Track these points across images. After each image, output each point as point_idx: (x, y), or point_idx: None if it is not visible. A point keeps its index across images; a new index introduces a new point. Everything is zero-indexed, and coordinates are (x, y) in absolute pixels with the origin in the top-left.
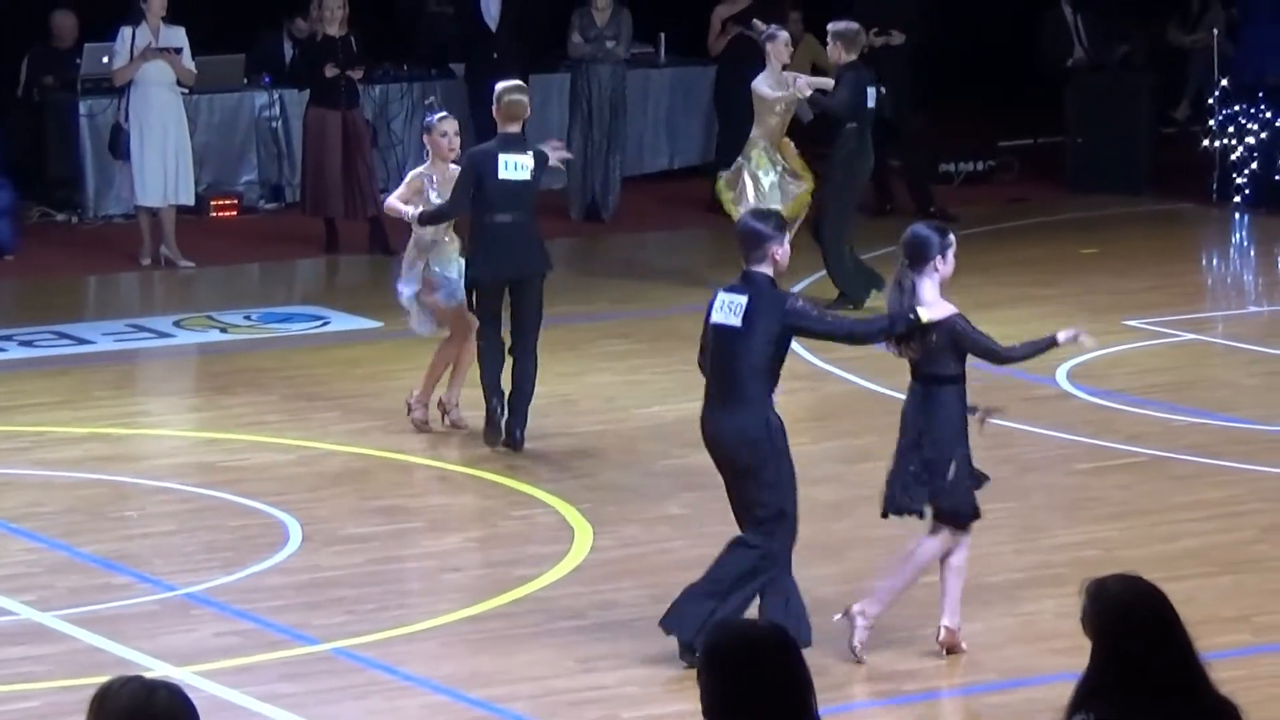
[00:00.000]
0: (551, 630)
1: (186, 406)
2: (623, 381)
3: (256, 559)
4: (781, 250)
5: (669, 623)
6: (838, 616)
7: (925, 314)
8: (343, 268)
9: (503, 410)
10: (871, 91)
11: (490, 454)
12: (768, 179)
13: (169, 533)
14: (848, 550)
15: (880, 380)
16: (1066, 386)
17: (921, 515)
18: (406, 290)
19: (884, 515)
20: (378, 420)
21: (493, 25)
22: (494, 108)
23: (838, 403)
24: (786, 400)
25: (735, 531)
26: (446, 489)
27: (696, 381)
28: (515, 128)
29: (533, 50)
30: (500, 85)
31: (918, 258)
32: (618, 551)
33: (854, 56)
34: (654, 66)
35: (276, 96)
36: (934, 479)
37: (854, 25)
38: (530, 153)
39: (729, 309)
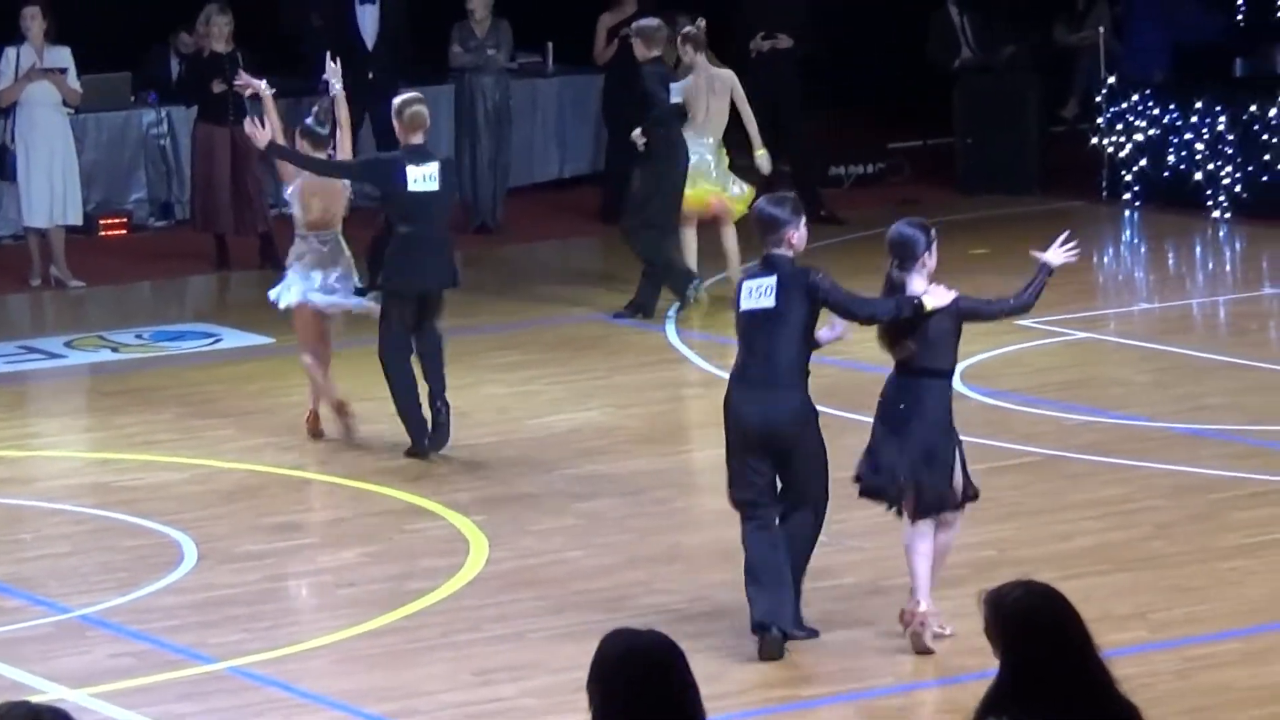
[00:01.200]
0: (448, 644)
1: (79, 427)
2: (515, 393)
3: (151, 579)
4: (798, 234)
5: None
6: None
7: (930, 301)
8: (233, 284)
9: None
10: (675, 88)
11: (384, 468)
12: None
13: (63, 554)
14: (742, 556)
15: None
16: (960, 387)
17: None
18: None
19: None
20: (271, 436)
21: (369, 42)
22: (395, 121)
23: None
24: (679, 407)
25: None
26: (341, 504)
27: (589, 391)
28: (419, 139)
29: (408, 66)
30: (400, 98)
31: (907, 256)
32: (513, 563)
33: (657, 53)
34: (541, 75)
35: (164, 114)
36: (933, 469)
37: (654, 21)
38: (437, 162)
39: (759, 293)
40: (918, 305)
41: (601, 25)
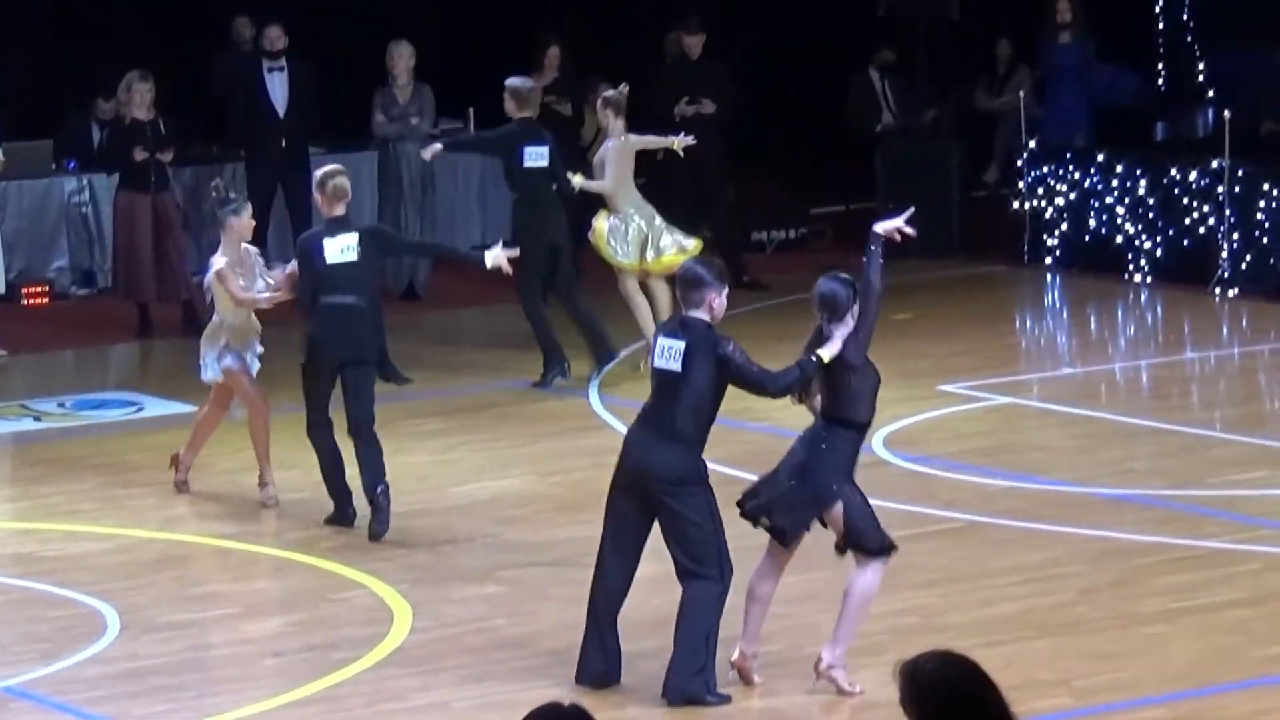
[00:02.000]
0: (373, 713)
1: (1, 496)
2: (436, 460)
3: (74, 649)
4: (719, 300)
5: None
6: (816, 681)
7: (826, 353)
8: (156, 352)
9: (354, 511)
10: (539, 150)
11: (307, 537)
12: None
13: None
14: (668, 625)
15: None
16: (882, 453)
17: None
18: (208, 373)
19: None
20: (194, 505)
21: (280, 109)
22: (317, 193)
23: None
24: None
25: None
26: (264, 573)
27: (511, 458)
28: (341, 210)
29: (319, 133)
30: (322, 170)
31: (835, 310)
32: (437, 632)
33: (527, 113)
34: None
35: (85, 181)
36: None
37: (528, 82)
38: (356, 233)
39: (669, 354)
40: (817, 360)
41: None
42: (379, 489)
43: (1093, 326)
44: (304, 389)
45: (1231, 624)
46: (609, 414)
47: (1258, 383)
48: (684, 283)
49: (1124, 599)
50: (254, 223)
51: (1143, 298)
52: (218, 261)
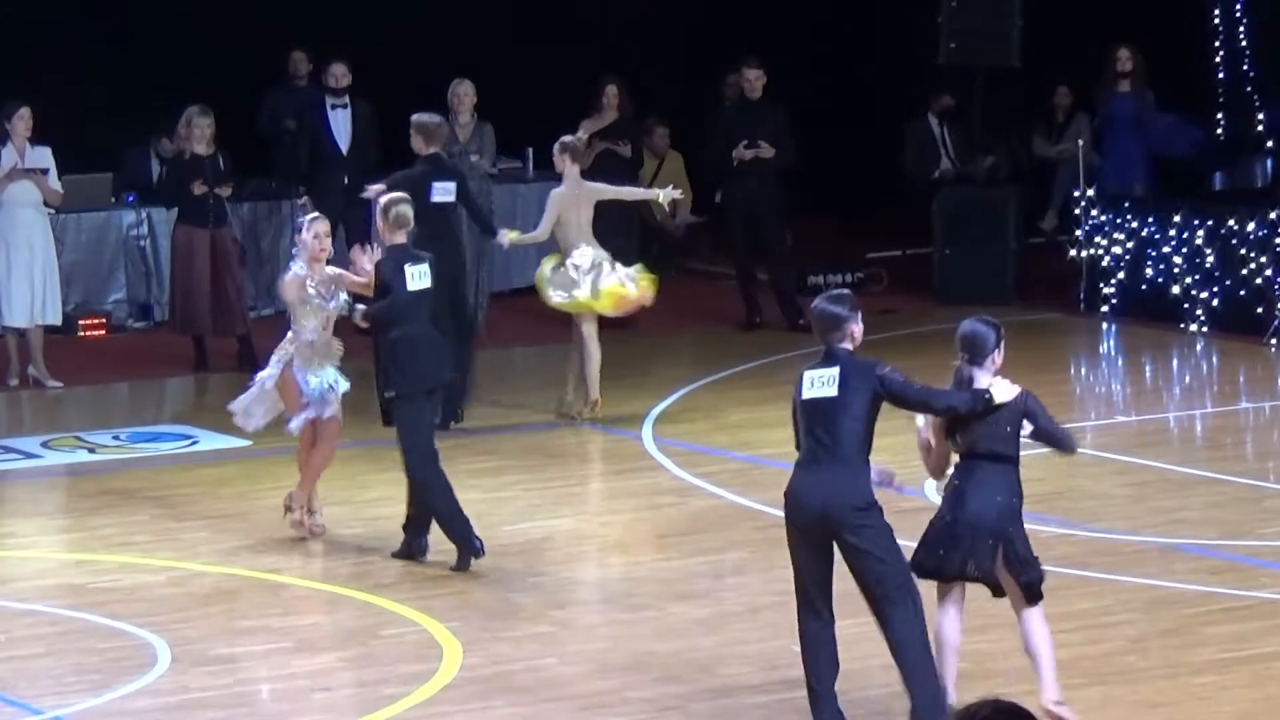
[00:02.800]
0: None
1: (55, 528)
2: (490, 499)
3: (124, 681)
4: (858, 327)
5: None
6: None
7: (999, 394)
8: (211, 386)
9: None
10: (446, 186)
11: (359, 572)
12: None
13: (36, 655)
14: (719, 666)
15: (750, 494)
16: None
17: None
18: (266, 375)
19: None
20: (246, 539)
21: (343, 146)
22: (380, 220)
23: (705, 518)
24: (654, 515)
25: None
26: (316, 608)
27: (564, 497)
28: (403, 238)
29: (380, 169)
30: (386, 197)
31: (978, 352)
32: (487, 670)
33: (434, 149)
34: (522, 181)
35: (144, 215)
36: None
37: (435, 117)
38: (426, 262)
39: (822, 383)
40: (988, 400)
41: (582, 131)
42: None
43: (1148, 375)
44: (389, 423)
45: None
46: (661, 455)
47: None
48: (822, 320)
49: (1174, 648)
50: (327, 238)
51: (1198, 347)
52: (290, 272)
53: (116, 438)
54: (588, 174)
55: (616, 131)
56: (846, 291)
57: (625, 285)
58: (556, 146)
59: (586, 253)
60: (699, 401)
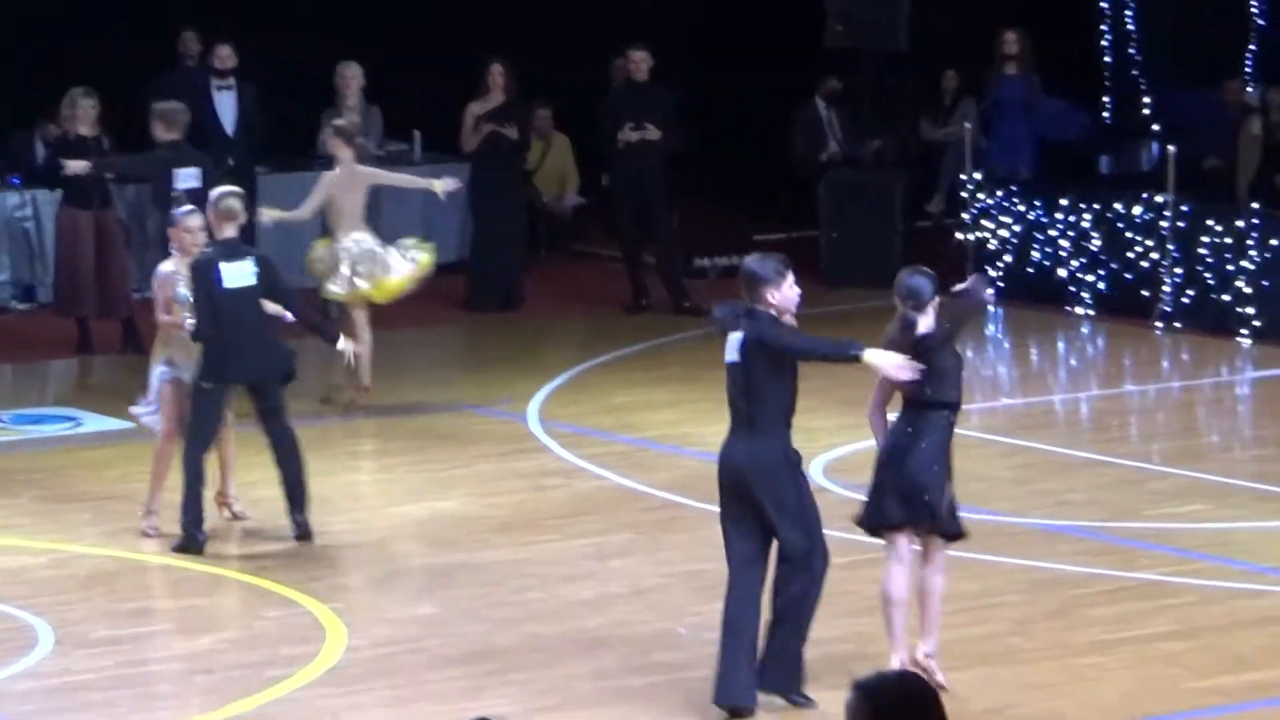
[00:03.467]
0: None
1: None
2: (374, 480)
3: (6, 663)
4: (779, 293)
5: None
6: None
7: (873, 358)
8: (95, 368)
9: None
10: (191, 173)
11: (243, 554)
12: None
13: None
14: (603, 648)
15: (634, 477)
16: (822, 481)
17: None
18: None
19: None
20: (130, 522)
21: (229, 129)
22: (210, 212)
23: (590, 500)
24: (539, 497)
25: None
26: (199, 590)
27: (449, 480)
28: (232, 231)
29: (266, 152)
30: (216, 190)
31: (920, 300)
32: (371, 651)
33: (174, 135)
34: (409, 164)
35: (28, 197)
36: (926, 500)
37: (176, 104)
38: (251, 257)
39: (734, 347)
40: (854, 357)
41: (469, 114)
42: (300, 518)
43: (1034, 358)
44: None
45: (1165, 656)
46: (547, 437)
47: (1196, 416)
48: (744, 283)
49: (1058, 630)
50: (201, 233)
51: (1084, 330)
52: (162, 267)
53: (0, 420)
54: (475, 156)
55: (503, 113)
56: (777, 254)
57: (406, 273)
58: (328, 129)
59: (358, 239)
60: (585, 384)
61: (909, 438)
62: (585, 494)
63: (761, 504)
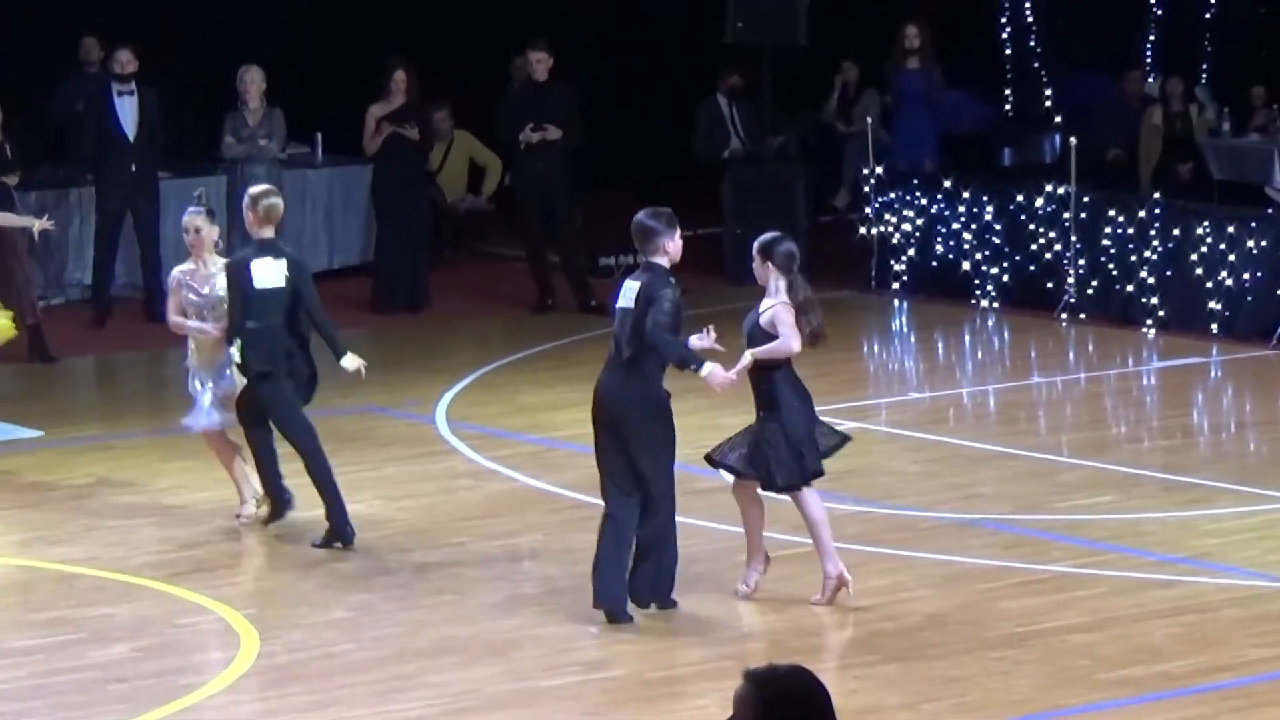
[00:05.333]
0: None
1: None
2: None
3: None
4: (673, 244)
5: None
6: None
7: (706, 372)
8: (1, 376)
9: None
10: None
11: (153, 562)
12: None
13: None
14: (515, 650)
15: (544, 477)
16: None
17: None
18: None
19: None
20: (38, 531)
21: (130, 133)
22: (249, 213)
23: (500, 501)
24: (449, 499)
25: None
26: (110, 598)
27: (359, 483)
28: (269, 232)
29: (168, 156)
30: (257, 189)
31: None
32: (285, 657)
33: None
34: (311, 166)
35: None
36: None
37: None
38: (285, 259)
39: (628, 294)
40: (695, 370)
41: (370, 116)
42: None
43: (940, 352)
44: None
45: (1076, 648)
46: (455, 439)
47: (1104, 407)
48: (637, 235)
49: (970, 624)
50: (197, 234)
51: (989, 323)
52: (175, 270)
53: None
54: (377, 157)
55: (404, 114)
56: (666, 208)
57: None
58: None
59: None
60: (493, 384)
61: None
62: (495, 495)
63: (627, 436)
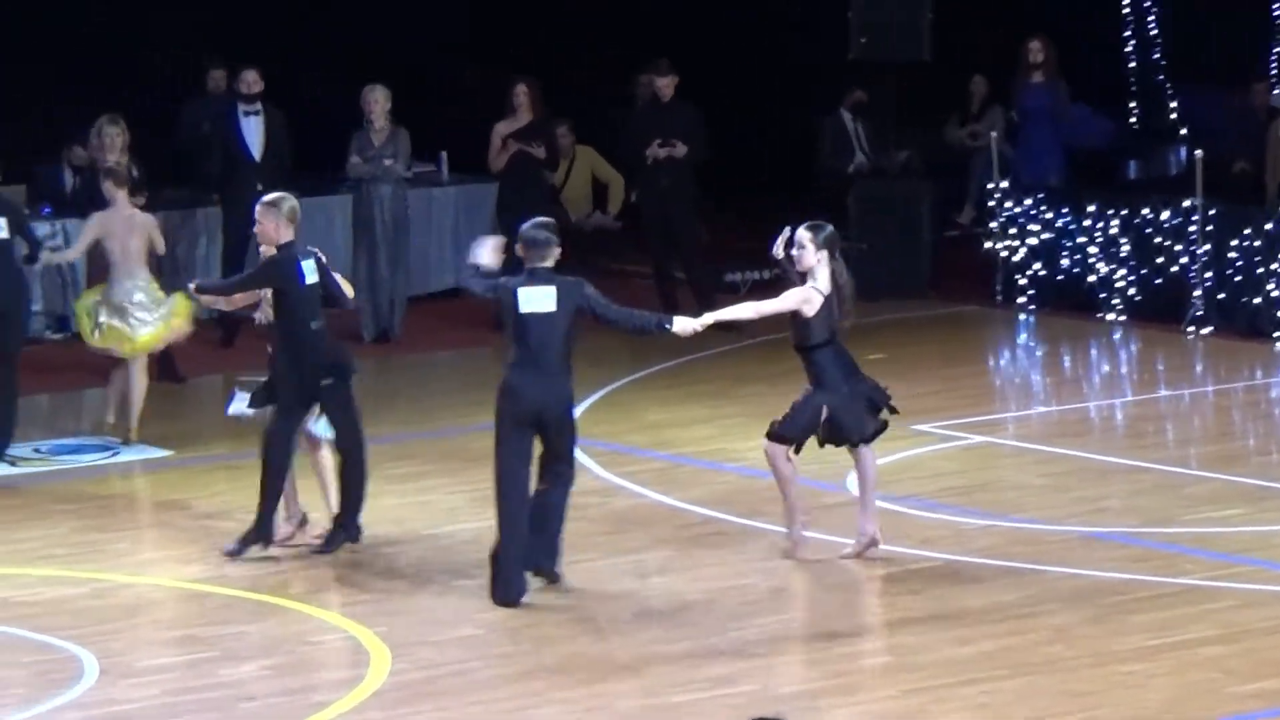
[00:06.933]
0: None
1: None
2: (411, 503)
3: (51, 694)
4: (557, 250)
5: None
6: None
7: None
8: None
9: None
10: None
11: (285, 580)
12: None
13: None
14: (642, 666)
15: (671, 493)
16: (857, 493)
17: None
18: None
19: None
20: (170, 550)
21: (255, 153)
22: (272, 216)
23: (627, 517)
24: (576, 516)
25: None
26: (240, 617)
27: (486, 499)
28: (291, 234)
29: (293, 176)
30: (275, 195)
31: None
32: (415, 675)
33: None
34: (437, 185)
35: (59, 226)
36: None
37: None
38: (313, 258)
39: (539, 299)
40: (666, 328)
41: (496, 134)
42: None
43: (1066, 366)
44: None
45: (1206, 661)
46: (583, 455)
47: (1231, 420)
48: (526, 245)
49: (1098, 637)
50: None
51: (1116, 337)
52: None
53: (37, 450)
54: (502, 175)
55: (530, 132)
56: (550, 220)
57: (155, 330)
58: (101, 173)
59: (122, 289)
60: (619, 401)
61: None
62: (623, 511)
63: (552, 432)
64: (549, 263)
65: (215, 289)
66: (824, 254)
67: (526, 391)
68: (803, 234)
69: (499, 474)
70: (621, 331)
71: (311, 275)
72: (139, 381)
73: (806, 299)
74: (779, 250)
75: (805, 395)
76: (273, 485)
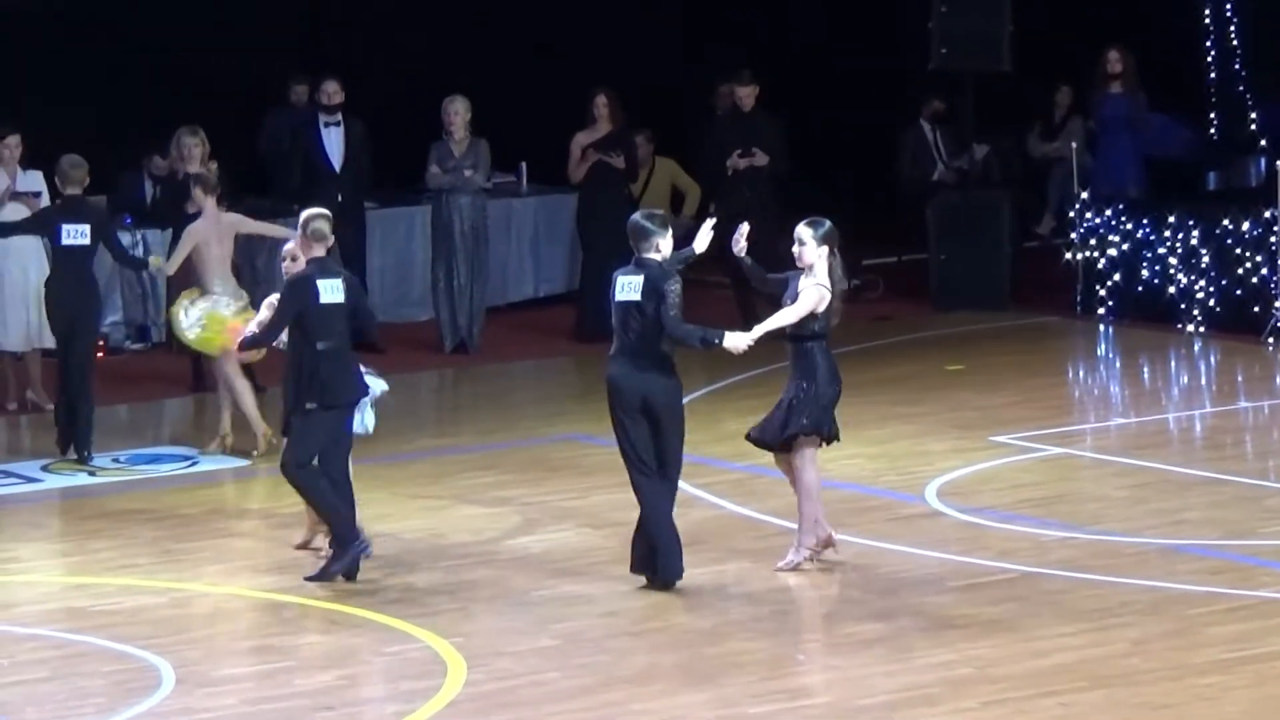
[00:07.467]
0: None
1: (55, 551)
2: (490, 513)
3: (129, 703)
4: (666, 242)
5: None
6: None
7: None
8: (209, 406)
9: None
10: (79, 229)
11: (361, 590)
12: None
13: (40, 680)
14: (723, 676)
15: (749, 504)
16: (936, 504)
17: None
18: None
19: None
20: (248, 559)
21: (336, 164)
22: (300, 234)
23: (705, 528)
24: None
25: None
26: (317, 627)
27: (565, 511)
28: (320, 251)
29: (373, 187)
30: (306, 213)
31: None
32: (492, 685)
33: (71, 190)
34: (516, 195)
35: (139, 236)
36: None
37: (73, 159)
38: (340, 276)
39: (630, 288)
40: (716, 344)
41: (575, 144)
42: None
43: (1146, 377)
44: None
45: None
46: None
47: None
48: (633, 234)
49: (1178, 650)
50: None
51: (1196, 348)
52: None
53: (116, 460)
54: (582, 186)
55: (609, 142)
56: (660, 211)
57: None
58: (191, 179)
59: (224, 298)
60: (697, 411)
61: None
62: (700, 523)
63: (660, 420)
64: (651, 254)
65: (255, 342)
66: (824, 250)
67: (623, 383)
68: (803, 230)
69: (628, 473)
70: (669, 339)
71: (329, 295)
72: (238, 385)
73: (821, 296)
74: (737, 246)
75: (803, 390)
76: (324, 503)
